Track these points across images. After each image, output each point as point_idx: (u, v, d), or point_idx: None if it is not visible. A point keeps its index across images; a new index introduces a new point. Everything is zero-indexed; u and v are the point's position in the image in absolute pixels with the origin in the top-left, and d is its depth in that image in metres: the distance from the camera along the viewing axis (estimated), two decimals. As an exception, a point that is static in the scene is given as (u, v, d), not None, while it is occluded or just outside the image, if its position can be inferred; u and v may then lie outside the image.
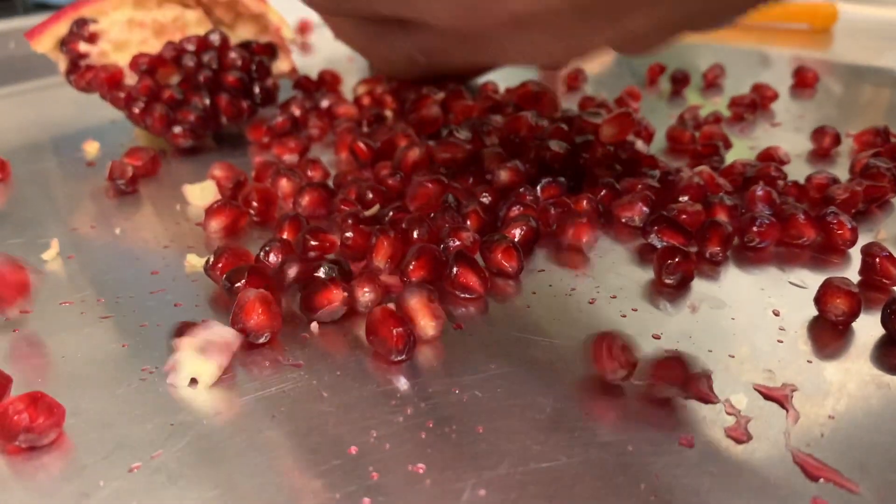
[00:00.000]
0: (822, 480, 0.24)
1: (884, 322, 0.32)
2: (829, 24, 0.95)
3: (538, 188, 0.43)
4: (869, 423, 0.27)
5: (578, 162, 0.46)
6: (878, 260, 0.35)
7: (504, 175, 0.44)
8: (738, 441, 0.26)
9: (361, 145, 0.50)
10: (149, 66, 0.53)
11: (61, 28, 0.54)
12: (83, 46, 0.54)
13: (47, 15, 0.56)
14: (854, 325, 0.32)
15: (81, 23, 0.54)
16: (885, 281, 0.35)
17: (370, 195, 0.42)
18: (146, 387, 0.29)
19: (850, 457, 0.25)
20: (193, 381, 0.29)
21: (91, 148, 0.55)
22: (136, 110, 0.53)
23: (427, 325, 0.32)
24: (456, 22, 0.29)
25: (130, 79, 0.54)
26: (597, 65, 0.83)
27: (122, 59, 0.55)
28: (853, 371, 0.30)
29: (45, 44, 0.54)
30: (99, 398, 0.28)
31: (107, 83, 0.53)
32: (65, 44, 0.54)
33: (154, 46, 0.56)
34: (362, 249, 0.37)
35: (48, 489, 0.24)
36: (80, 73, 0.54)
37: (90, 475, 0.25)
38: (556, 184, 0.43)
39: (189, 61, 0.55)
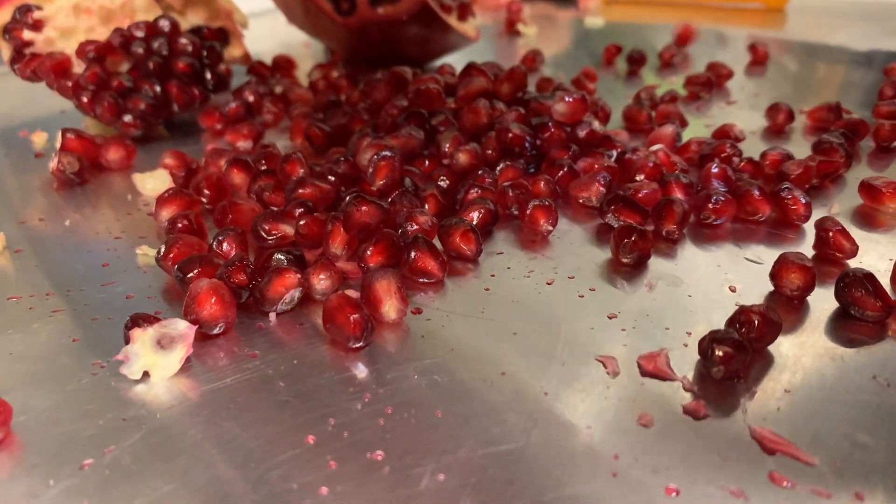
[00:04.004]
0: (779, 454, 0.24)
1: (837, 296, 0.32)
2: (783, 3, 0.95)
3: (496, 171, 0.43)
4: (824, 395, 0.27)
5: (536, 144, 0.46)
6: (831, 234, 0.35)
7: (462, 158, 0.43)
8: (696, 417, 0.26)
9: (317, 130, 0.49)
10: (97, 54, 0.52)
11: (4, 15, 0.53)
12: (27, 34, 0.53)
13: (-12, 2, 0.54)
14: (809, 299, 0.33)
15: (25, 9, 0.53)
16: (838, 255, 0.35)
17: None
18: (98, 381, 0.28)
19: (806, 430, 0.25)
20: (146, 375, 0.28)
21: (39, 139, 0.54)
22: (85, 99, 0.51)
23: (391, 308, 0.31)
24: None
25: (78, 67, 0.53)
26: (554, 46, 0.83)
27: (68, 47, 0.54)
28: (808, 345, 0.30)
29: (-14, 32, 0.53)
30: (49, 394, 0.28)
31: (53, 71, 0.52)
32: (8, 31, 0.52)
33: (102, 33, 0.55)
34: (317, 237, 0.37)
35: (-5, 490, 0.24)
36: (26, 61, 0.52)
37: (39, 474, 0.24)
38: (514, 166, 0.43)
39: (138, 48, 0.53)
